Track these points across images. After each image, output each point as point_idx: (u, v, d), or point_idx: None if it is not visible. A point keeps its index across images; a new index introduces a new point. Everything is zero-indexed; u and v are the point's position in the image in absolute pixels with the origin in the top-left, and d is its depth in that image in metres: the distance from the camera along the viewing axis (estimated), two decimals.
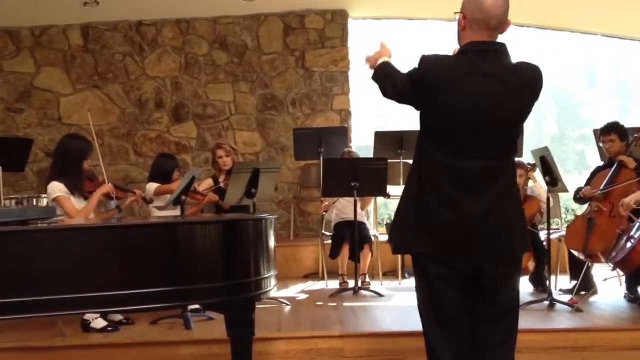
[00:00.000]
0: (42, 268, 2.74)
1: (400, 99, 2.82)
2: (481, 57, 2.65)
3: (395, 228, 2.90)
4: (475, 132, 2.64)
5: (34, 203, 5.54)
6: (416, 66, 2.70)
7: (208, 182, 6.25)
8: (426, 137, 2.75)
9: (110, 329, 4.81)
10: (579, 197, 5.80)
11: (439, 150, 2.68)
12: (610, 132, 5.66)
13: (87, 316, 4.80)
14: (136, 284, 2.84)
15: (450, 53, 2.80)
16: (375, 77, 2.92)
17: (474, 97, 2.61)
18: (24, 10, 7.86)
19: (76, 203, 5.02)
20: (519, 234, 2.79)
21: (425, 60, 2.69)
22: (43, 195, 5.21)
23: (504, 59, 2.68)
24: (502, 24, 2.68)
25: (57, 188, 4.95)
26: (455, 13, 2.76)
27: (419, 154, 2.78)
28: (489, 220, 2.66)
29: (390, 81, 2.83)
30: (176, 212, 5.25)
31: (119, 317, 4.99)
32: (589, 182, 5.82)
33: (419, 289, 2.81)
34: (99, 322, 4.81)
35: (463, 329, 2.74)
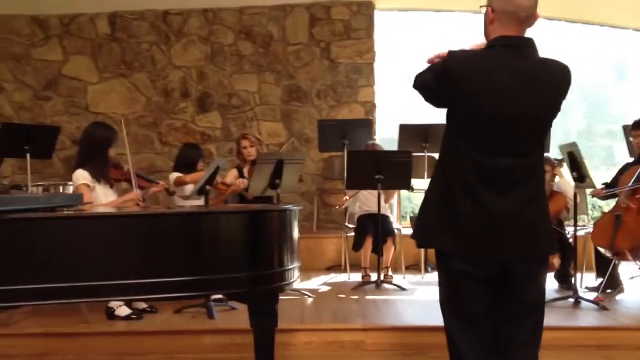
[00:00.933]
0: (68, 255, 2.75)
1: (426, 95, 2.77)
2: (510, 52, 2.60)
3: (421, 224, 2.84)
4: (505, 128, 2.59)
5: (61, 190, 5.64)
6: (443, 66, 2.64)
7: (233, 174, 6.26)
8: (454, 134, 2.69)
9: (134, 317, 4.85)
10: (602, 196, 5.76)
11: (468, 147, 2.62)
12: None
13: (112, 304, 4.84)
14: (160, 272, 2.84)
15: (475, 47, 2.75)
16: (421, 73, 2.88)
17: (504, 92, 2.56)
18: None
19: (102, 190, 5.05)
20: (547, 233, 2.74)
21: (452, 55, 2.64)
22: (69, 183, 5.30)
23: (533, 54, 2.63)
24: (531, 17, 2.62)
25: (81, 176, 4.98)
26: (481, 7, 2.70)
27: (446, 151, 2.73)
28: (519, 221, 2.61)
29: (421, 75, 2.78)
30: (200, 202, 5.27)
31: (143, 305, 5.03)
32: (617, 178, 5.75)
33: (442, 284, 2.77)
34: (123, 310, 4.86)
35: (487, 327, 2.69)
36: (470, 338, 2.68)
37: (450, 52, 2.63)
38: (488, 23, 2.67)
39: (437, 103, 2.76)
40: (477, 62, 2.62)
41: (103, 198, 5.02)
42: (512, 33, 2.61)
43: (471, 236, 2.61)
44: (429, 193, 2.80)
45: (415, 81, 2.80)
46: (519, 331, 2.70)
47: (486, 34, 2.71)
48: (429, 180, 2.83)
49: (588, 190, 5.91)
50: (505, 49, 2.60)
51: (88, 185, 4.96)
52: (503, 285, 2.68)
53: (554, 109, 2.69)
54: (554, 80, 2.63)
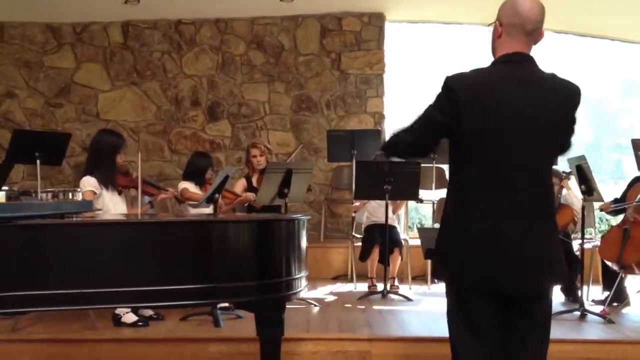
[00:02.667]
0: (76, 262, 2.77)
1: (430, 140, 2.74)
2: (512, 66, 2.62)
3: (437, 254, 2.78)
4: (515, 143, 2.57)
5: (70, 197, 5.68)
6: (444, 94, 2.62)
7: (242, 183, 6.29)
8: (464, 159, 2.65)
9: (140, 324, 4.86)
10: (611, 210, 5.76)
11: (477, 170, 2.60)
12: None
13: (119, 310, 4.86)
14: (168, 280, 2.87)
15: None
16: (392, 153, 2.93)
17: (510, 103, 2.56)
18: (66, 6, 8.03)
19: (109, 197, 5.08)
20: (560, 259, 2.72)
21: (451, 78, 2.63)
22: (79, 190, 5.34)
23: (536, 69, 2.66)
24: (538, 30, 2.65)
25: (87, 183, 5.02)
26: (490, 24, 2.74)
27: (455, 179, 2.71)
28: (536, 249, 2.59)
29: (401, 139, 2.80)
30: (209, 210, 5.29)
31: (149, 312, 5.05)
32: (626, 191, 5.74)
33: (449, 296, 2.76)
34: (129, 317, 4.87)
35: (493, 342, 2.66)
36: (475, 352, 2.67)
37: (447, 77, 2.64)
38: (496, 37, 2.69)
39: (441, 135, 2.70)
40: (479, 77, 2.64)
41: (110, 205, 5.05)
42: (518, 47, 2.63)
43: (487, 270, 2.59)
44: (443, 222, 2.76)
45: (404, 150, 2.85)
46: (526, 346, 2.69)
47: (493, 50, 2.73)
48: (445, 200, 2.80)
49: (596, 204, 5.90)
50: (508, 64, 2.63)
51: (94, 193, 4.99)
52: (510, 302, 2.68)
53: (563, 122, 2.66)
54: (560, 93, 2.64)
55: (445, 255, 2.70)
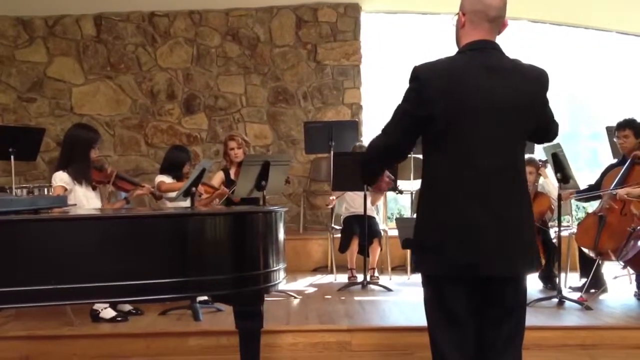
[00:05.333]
0: (52, 257, 2.74)
1: (404, 137, 2.67)
2: (478, 53, 2.63)
3: (414, 244, 2.76)
4: (484, 129, 2.57)
5: (45, 192, 5.61)
6: (412, 86, 2.60)
7: (220, 176, 6.25)
8: (433, 148, 2.64)
9: (119, 319, 4.83)
10: (582, 197, 5.82)
11: (449, 159, 2.60)
12: (626, 127, 5.64)
13: (97, 306, 4.82)
14: (145, 274, 2.84)
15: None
16: (368, 163, 2.87)
17: (478, 88, 2.56)
18: None
19: (83, 192, 5.02)
20: (534, 245, 2.73)
21: (418, 67, 2.62)
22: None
23: (502, 54, 2.67)
24: (501, 18, 2.66)
25: (58, 178, 4.96)
26: (453, 17, 2.75)
27: (427, 169, 2.70)
28: (508, 234, 2.60)
29: (373, 146, 2.75)
30: (186, 203, 5.26)
31: (128, 307, 5.02)
32: (601, 179, 5.79)
33: (425, 285, 2.75)
34: (108, 312, 4.84)
35: (469, 329, 2.67)
36: (452, 339, 2.66)
37: (415, 67, 2.63)
38: (460, 28, 2.71)
39: (414, 131, 2.65)
40: (446, 64, 2.64)
41: (84, 200, 4.99)
42: (483, 35, 2.64)
43: (465, 257, 2.58)
44: (420, 210, 2.74)
45: (383, 154, 2.75)
46: (500, 332, 2.69)
47: (457, 41, 2.74)
48: (419, 193, 2.79)
49: (581, 186, 5.94)
50: (474, 51, 2.63)
51: (65, 188, 4.93)
52: (485, 288, 2.68)
53: (532, 106, 2.66)
54: (528, 77, 2.64)
55: (419, 244, 2.70)
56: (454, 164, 2.59)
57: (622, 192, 5.28)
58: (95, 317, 4.84)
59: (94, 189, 5.13)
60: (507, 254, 2.60)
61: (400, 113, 2.65)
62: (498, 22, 2.66)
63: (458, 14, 2.71)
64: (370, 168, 2.88)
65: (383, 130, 2.71)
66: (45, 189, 5.67)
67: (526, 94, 2.63)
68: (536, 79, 2.67)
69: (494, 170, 2.59)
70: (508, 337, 2.70)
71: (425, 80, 2.57)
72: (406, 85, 2.69)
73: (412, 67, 2.63)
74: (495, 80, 2.58)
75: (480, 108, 2.56)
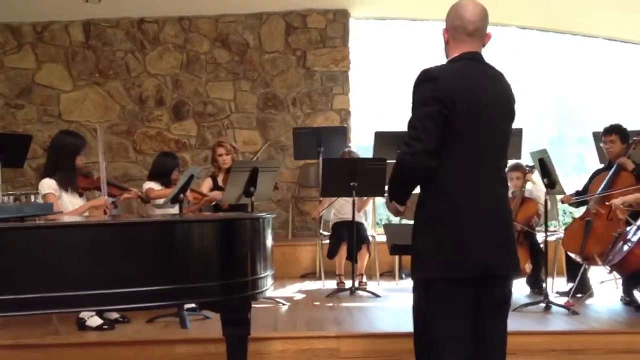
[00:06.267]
0: (39, 265, 2.73)
1: (436, 139, 2.61)
2: (475, 62, 2.75)
3: (422, 254, 2.75)
4: (492, 131, 2.72)
5: (32, 200, 5.58)
6: (430, 86, 2.62)
7: (208, 183, 6.24)
8: (447, 150, 2.65)
9: (106, 327, 4.80)
10: (573, 202, 5.84)
11: (465, 157, 2.67)
12: (612, 133, 5.67)
13: (83, 314, 4.79)
14: (133, 282, 2.84)
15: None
16: (394, 188, 2.86)
17: (483, 94, 2.68)
18: (26, 5, 7.88)
19: (69, 199, 4.99)
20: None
21: (431, 69, 2.69)
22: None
23: (488, 64, 2.80)
24: (480, 31, 2.75)
25: (46, 185, 4.93)
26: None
27: (440, 171, 2.68)
28: (508, 229, 2.79)
29: (403, 156, 2.69)
30: (174, 210, 5.25)
31: (115, 315, 4.99)
32: (588, 184, 5.83)
33: (432, 288, 2.70)
34: (94, 320, 4.81)
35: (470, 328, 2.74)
36: (460, 339, 2.70)
37: (425, 69, 2.70)
38: (445, 43, 2.83)
39: (441, 131, 2.63)
40: (452, 68, 2.73)
41: (70, 207, 4.95)
42: (467, 48, 2.74)
43: (482, 256, 2.67)
44: (425, 220, 2.74)
45: (405, 158, 2.68)
46: (499, 326, 2.81)
47: (445, 55, 2.85)
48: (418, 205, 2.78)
49: (558, 197, 5.98)
50: (467, 61, 2.74)
51: (54, 195, 4.91)
52: (487, 285, 2.72)
53: (514, 114, 2.83)
54: (509, 88, 2.82)
55: (434, 247, 2.69)
56: (468, 166, 2.66)
57: (617, 201, 5.25)
58: (82, 325, 4.81)
59: (80, 195, 5.11)
60: (509, 253, 2.76)
61: (428, 116, 2.61)
62: (479, 35, 2.75)
63: (442, 30, 2.82)
64: (406, 181, 2.78)
65: (414, 138, 2.62)
66: (32, 196, 5.63)
67: (511, 103, 2.81)
68: (511, 89, 2.83)
69: (497, 173, 2.75)
70: (503, 329, 2.81)
71: (443, 80, 2.65)
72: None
73: (421, 70, 2.70)
74: (493, 87, 2.73)
75: (487, 112, 2.68)
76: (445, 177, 2.67)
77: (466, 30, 2.72)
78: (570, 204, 5.96)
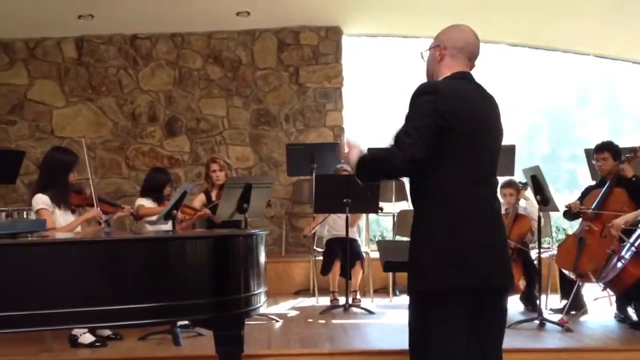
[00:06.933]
0: (31, 282, 2.72)
1: (428, 150, 2.61)
2: (468, 81, 2.81)
3: (422, 265, 2.72)
4: (489, 147, 2.79)
5: (24, 216, 5.56)
6: (430, 98, 2.64)
7: (201, 198, 6.23)
8: (448, 163, 2.67)
9: (98, 344, 4.76)
10: (567, 212, 5.83)
11: (465, 172, 2.70)
12: (604, 150, 5.69)
13: (75, 331, 4.75)
14: (125, 299, 2.83)
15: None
16: (367, 172, 2.81)
17: (481, 113, 2.76)
18: (18, 22, 7.87)
19: (62, 216, 4.98)
20: None
21: (432, 83, 2.78)
22: (32, 209, 5.21)
23: (480, 85, 2.86)
24: (475, 57, 2.86)
25: (40, 201, 4.91)
26: (422, 53, 2.91)
27: (439, 183, 2.69)
28: (505, 244, 2.84)
29: (394, 154, 2.65)
30: (167, 226, 5.23)
31: (107, 332, 4.95)
32: (580, 201, 5.83)
33: (438, 300, 2.67)
34: (87, 338, 4.77)
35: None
36: (465, 352, 2.69)
37: (425, 83, 2.77)
38: (437, 61, 2.85)
39: (434, 143, 2.63)
40: (450, 84, 2.76)
41: (64, 223, 4.93)
42: (462, 67, 2.81)
43: (483, 267, 2.70)
44: (424, 232, 2.74)
45: (396, 168, 2.69)
46: (499, 338, 2.83)
47: (432, 73, 2.87)
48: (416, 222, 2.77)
49: (552, 214, 5.98)
50: (464, 80, 2.80)
51: (48, 210, 4.89)
52: (489, 297, 2.75)
53: (503, 133, 2.91)
54: (498, 107, 2.88)
55: (434, 257, 2.68)
56: (467, 180, 2.69)
57: (618, 221, 5.24)
58: (74, 342, 4.77)
59: (72, 212, 5.09)
60: (507, 267, 2.83)
61: (426, 126, 2.62)
62: (474, 60, 2.86)
63: (435, 47, 2.85)
64: (383, 176, 2.98)
65: (410, 144, 2.61)
66: (25, 213, 5.61)
67: (501, 122, 2.88)
68: (499, 110, 2.89)
69: (493, 189, 2.83)
70: (500, 347, 2.83)
71: (443, 93, 2.68)
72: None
73: (421, 83, 2.75)
74: (489, 105, 2.82)
75: (485, 128, 2.77)
76: (446, 190, 2.69)
77: (467, 53, 2.82)
78: (568, 215, 5.90)
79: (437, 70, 2.84)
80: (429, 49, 2.90)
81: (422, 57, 2.92)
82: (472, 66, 2.86)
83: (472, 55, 2.84)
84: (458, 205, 2.68)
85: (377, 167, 2.78)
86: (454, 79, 2.78)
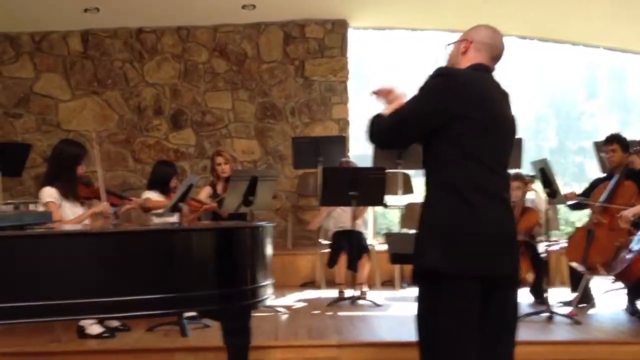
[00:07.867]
0: (39, 273, 2.73)
1: (408, 143, 2.87)
2: (486, 73, 2.81)
3: (435, 250, 2.68)
4: (502, 143, 2.79)
5: (31, 208, 5.56)
6: (444, 80, 2.69)
7: (207, 191, 6.23)
8: (461, 150, 2.67)
9: (106, 335, 4.77)
10: (570, 204, 5.82)
11: (480, 163, 2.69)
12: (613, 142, 5.66)
13: (83, 322, 4.75)
14: (132, 290, 2.84)
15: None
16: (384, 123, 2.85)
17: (496, 102, 2.76)
18: (24, 15, 7.86)
19: (70, 208, 4.97)
20: None
21: (449, 68, 2.80)
22: (39, 201, 5.22)
23: (497, 81, 2.87)
24: (499, 58, 2.86)
25: (47, 194, 4.91)
26: (448, 45, 2.92)
27: (451, 171, 2.69)
28: (515, 235, 2.83)
29: (377, 135, 2.87)
30: (174, 219, 5.22)
31: (115, 323, 4.95)
32: (588, 193, 5.81)
33: (450, 311, 2.66)
34: (95, 328, 4.77)
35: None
36: (473, 339, 2.68)
37: (442, 67, 2.78)
38: (461, 53, 2.84)
39: (433, 126, 2.68)
40: (466, 72, 2.78)
41: (72, 216, 4.93)
42: (484, 61, 2.81)
43: (497, 253, 2.71)
44: (435, 218, 2.72)
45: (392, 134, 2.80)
46: (509, 329, 2.82)
47: (452, 64, 2.87)
48: (425, 205, 2.78)
49: (560, 207, 5.95)
50: (482, 71, 2.80)
51: (57, 204, 4.88)
52: (498, 288, 2.75)
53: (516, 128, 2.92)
54: (510, 103, 2.89)
55: (449, 247, 2.66)
56: (481, 170, 2.69)
57: (627, 213, 5.22)
58: (82, 333, 4.77)
59: (81, 204, 5.09)
60: (516, 258, 2.85)
61: (423, 113, 2.70)
62: (495, 63, 2.86)
63: (459, 42, 2.86)
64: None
65: (395, 130, 2.76)
66: (32, 205, 5.61)
67: (514, 120, 2.90)
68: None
69: (505, 181, 2.83)
70: (514, 333, 2.82)
71: (461, 78, 2.71)
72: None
73: (437, 68, 2.75)
74: (504, 99, 2.83)
75: (501, 121, 2.77)
76: (460, 180, 2.67)
77: (492, 51, 2.82)
78: (568, 206, 5.89)
79: (458, 61, 2.84)
80: (454, 42, 2.90)
81: (447, 49, 2.92)
82: (493, 66, 2.85)
83: (495, 55, 2.83)
84: (467, 193, 2.65)
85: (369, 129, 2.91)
86: (474, 69, 2.78)
